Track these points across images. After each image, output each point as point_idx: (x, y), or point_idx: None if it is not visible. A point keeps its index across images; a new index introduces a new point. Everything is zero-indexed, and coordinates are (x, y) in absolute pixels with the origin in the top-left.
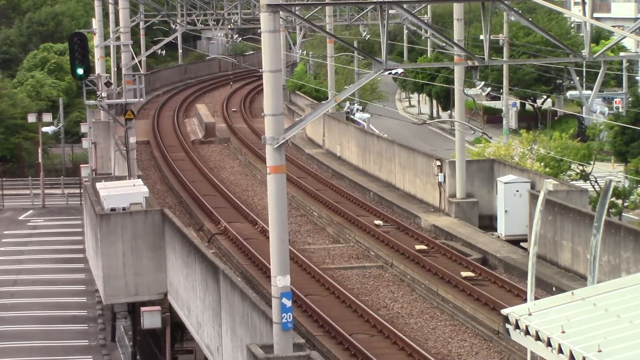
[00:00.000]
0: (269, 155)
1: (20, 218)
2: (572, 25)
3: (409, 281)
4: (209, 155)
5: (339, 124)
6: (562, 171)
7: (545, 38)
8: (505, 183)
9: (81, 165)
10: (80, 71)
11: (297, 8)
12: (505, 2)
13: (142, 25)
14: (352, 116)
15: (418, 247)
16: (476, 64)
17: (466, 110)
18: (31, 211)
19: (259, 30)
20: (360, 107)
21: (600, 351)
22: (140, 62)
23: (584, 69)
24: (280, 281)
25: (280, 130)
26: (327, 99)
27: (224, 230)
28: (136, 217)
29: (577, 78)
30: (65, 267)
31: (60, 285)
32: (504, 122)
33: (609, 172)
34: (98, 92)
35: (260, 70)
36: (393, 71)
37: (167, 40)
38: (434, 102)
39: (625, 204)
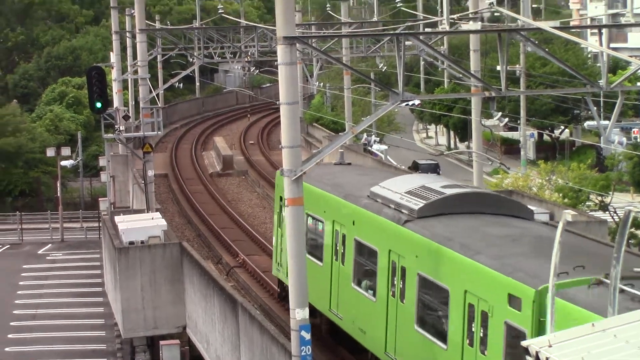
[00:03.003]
0: (286, 187)
1: (39, 252)
2: (589, 56)
3: None
4: (227, 188)
5: (356, 155)
6: (580, 202)
7: (562, 68)
8: None
9: (100, 199)
10: (98, 105)
11: (313, 40)
12: (522, 32)
13: (159, 58)
14: (369, 148)
15: None
16: (493, 94)
17: (484, 141)
18: (50, 245)
19: (275, 63)
20: (378, 139)
21: None
22: (158, 95)
23: (602, 99)
24: (299, 314)
25: (298, 162)
26: (345, 130)
27: (242, 263)
28: (154, 250)
29: (595, 108)
30: (84, 300)
31: (79, 319)
32: (522, 152)
33: (628, 203)
34: (116, 126)
35: (277, 102)
36: (410, 102)
37: (184, 73)
38: (452, 133)
39: None
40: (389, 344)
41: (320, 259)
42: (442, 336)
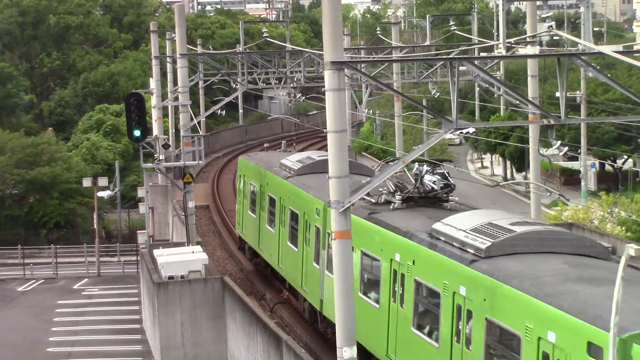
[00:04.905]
0: (334, 219)
1: (75, 287)
2: None
3: None
4: None
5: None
6: None
7: (625, 95)
8: None
9: (138, 232)
10: (137, 133)
11: (362, 65)
12: (583, 57)
13: (201, 84)
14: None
15: None
16: (552, 122)
17: (542, 171)
18: (86, 280)
19: (322, 89)
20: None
21: None
22: (199, 122)
23: None
24: (346, 352)
25: (346, 194)
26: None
27: (286, 299)
28: (195, 285)
29: None
30: (122, 338)
31: (117, 357)
32: (582, 183)
33: None
34: (155, 155)
35: (324, 130)
36: (464, 131)
37: (227, 100)
38: (508, 162)
39: None
40: (280, 260)
41: (254, 212)
42: (295, 243)
